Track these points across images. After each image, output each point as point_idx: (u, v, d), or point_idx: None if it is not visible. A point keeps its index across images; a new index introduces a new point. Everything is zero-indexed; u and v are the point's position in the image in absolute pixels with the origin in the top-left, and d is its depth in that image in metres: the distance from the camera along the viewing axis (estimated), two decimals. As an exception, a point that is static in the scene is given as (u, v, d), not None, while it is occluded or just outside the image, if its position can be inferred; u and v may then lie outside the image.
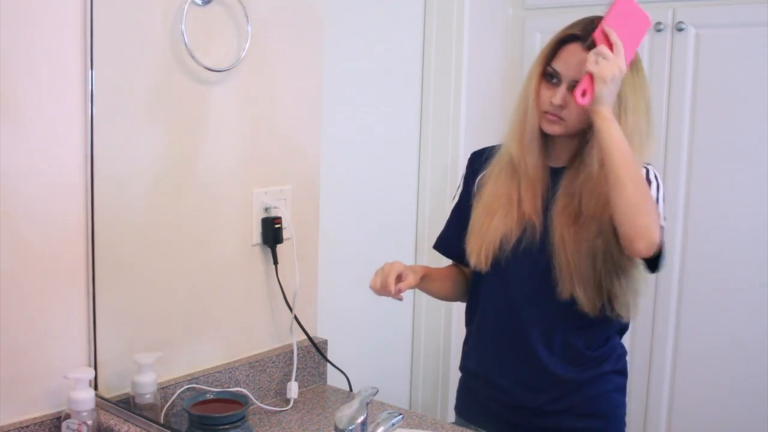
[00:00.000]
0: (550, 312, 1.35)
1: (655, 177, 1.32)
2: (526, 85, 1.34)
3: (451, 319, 2.12)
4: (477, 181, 1.45)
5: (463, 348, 1.53)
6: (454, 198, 1.53)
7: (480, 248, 1.38)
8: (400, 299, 1.37)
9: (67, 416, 1.28)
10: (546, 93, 1.31)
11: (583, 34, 1.27)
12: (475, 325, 1.48)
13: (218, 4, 1.43)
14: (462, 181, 1.51)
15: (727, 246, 1.83)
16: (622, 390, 1.43)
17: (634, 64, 1.27)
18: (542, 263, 1.33)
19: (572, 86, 1.26)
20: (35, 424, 1.30)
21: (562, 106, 1.28)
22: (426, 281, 1.46)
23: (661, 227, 1.26)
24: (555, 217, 1.33)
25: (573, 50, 1.28)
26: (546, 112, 1.31)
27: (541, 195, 1.36)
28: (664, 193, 1.32)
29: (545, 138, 1.35)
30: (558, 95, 1.28)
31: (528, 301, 1.37)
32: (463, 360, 1.52)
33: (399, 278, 1.36)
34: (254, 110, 1.53)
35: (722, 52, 1.82)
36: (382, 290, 1.35)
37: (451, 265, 1.55)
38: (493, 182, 1.40)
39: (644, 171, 1.30)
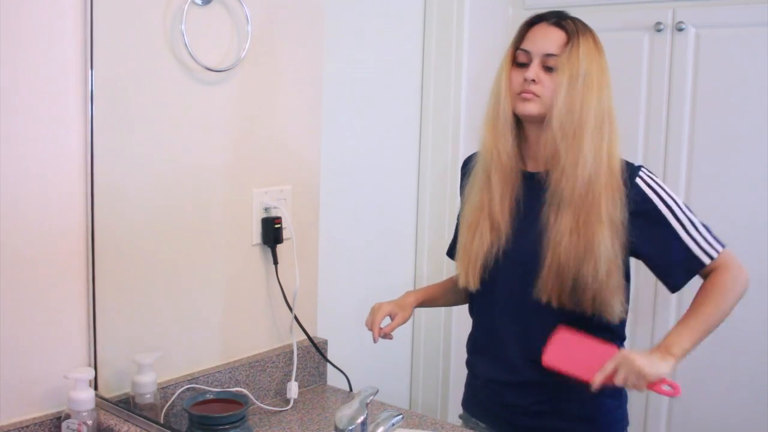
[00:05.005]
0: (530, 322, 1.35)
1: (653, 180, 1.31)
2: (498, 75, 1.35)
3: (451, 319, 2.12)
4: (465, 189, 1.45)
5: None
6: None
7: (467, 269, 1.38)
8: (390, 338, 1.45)
9: (67, 416, 1.28)
10: (517, 76, 1.31)
11: (548, 14, 1.32)
12: (473, 324, 1.49)
13: (218, 4, 1.43)
14: (459, 185, 1.51)
15: (727, 245, 1.82)
16: (615, 395, 1.40)
17: (590, 54, 1.28)
18: (522, 272, 1.33)
19: (544, 61, 1.29)
20: (35, 424, 1.30)
21: (535, 81, 1.29)
22: (429, 303, 1.55)
23: (723, 248, 1.32)
24: (549, 220, 1.30)
25: (540, 28, 1.31)
26: (520, 93, 1.31)
27: (511, 197, 1.34)
28: (666, 187, 1.32)
29: (519, 139, 1.35)
30: (531, 70, 1.30)
31: (509, 313, 1.38)
32: (467, 355, 1.53)
33: (390, 316, 1.45)
34: (254, 110, 1.53)
35: (722, 52, 1.82)
36: (372, 330, 1.44)
37: None
38: (473, 195, 1.39)
39: (640, 181, 1.30)
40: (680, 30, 1.84)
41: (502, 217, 1.34)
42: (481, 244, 1.36)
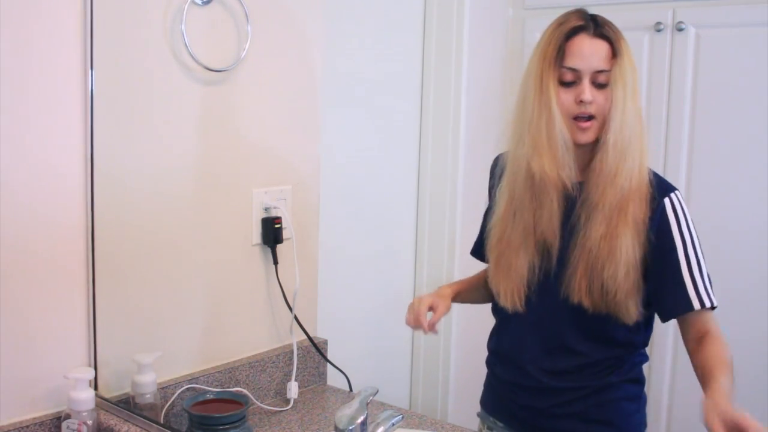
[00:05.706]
0: (554, 338, 1.35)
1: (681, 208, 1.26)
2: (541, 94, 1.24)
3: (451, 319, 2.12)
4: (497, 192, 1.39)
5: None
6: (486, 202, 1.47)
7: (512, 291, 1.33)
8: (435, 332, 1.37)
9: (67, 416, 1.29)
10: (566, 97, 1.23)
11: (586, 23, 1.24)
12: (498, 326, 1.47)
13: (218, 4, 1.43)
14: (488, 185, 1.46)
15: (727, 246, 1.82)
16: (634, 398, 1.39)
17: (631, 61, 1.26)
18: (555, 285, 1.30)
19: (594, 78, 1.22)
20: (35, 424, 1.30)
21: (591, 102, 1.22)
22: (461, 297, 1.48)
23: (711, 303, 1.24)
24: (585, 227, 1.27)
25: (583, 42, 1.23)
26: (575, 118, 1.23)
27: (560, 213, 1.29)
28: (690, 221, 1.27)
29: None
30: (586, 92, 1.21)
31: (536, 326, 1.36)
32: (488, 353, 1.51)
33: (431, 309, 1.37)
34: (254, 110, 1.54)
35: (722, 52, 1.81)
36: (415, 327, 1.37)
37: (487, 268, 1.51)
38: (517, 216, 1.32)
39: (668, 202, 1.25)
40: (680, 30, 1.84)
41: (554, 236, 1.29)
42: (527, 266, 1.31)
